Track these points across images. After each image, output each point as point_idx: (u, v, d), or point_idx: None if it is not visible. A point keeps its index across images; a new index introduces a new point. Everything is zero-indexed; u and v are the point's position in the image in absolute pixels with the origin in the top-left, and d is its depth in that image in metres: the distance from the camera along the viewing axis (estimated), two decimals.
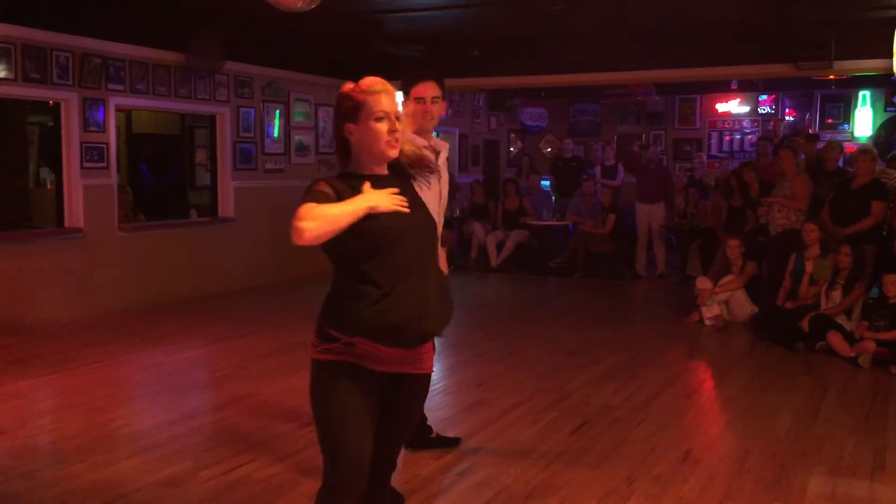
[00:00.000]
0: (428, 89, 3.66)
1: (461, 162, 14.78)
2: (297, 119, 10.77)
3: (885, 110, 13.87)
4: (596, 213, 11.57)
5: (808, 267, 7.41)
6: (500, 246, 11.91)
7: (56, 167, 8.30)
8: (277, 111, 10.43)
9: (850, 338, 6.63)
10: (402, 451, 2.93)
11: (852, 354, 6.48)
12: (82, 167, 8.08)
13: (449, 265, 3.96)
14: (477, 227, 12.18)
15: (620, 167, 12.70)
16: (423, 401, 3.00)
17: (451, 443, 4.56)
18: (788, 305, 7.41)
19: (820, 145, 10.49)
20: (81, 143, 8.05)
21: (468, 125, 14.94)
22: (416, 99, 3.67)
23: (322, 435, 2.69)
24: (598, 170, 13.12)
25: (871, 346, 6.39)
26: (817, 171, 8.74)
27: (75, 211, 8.10)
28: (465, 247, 12.61)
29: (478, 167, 15.38)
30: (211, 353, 6.92)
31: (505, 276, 11.38)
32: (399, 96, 3.02)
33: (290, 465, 4.25)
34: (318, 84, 11.01)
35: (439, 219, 3.69)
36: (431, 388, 5.91)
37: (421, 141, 3.58)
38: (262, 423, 4.92)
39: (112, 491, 3.91)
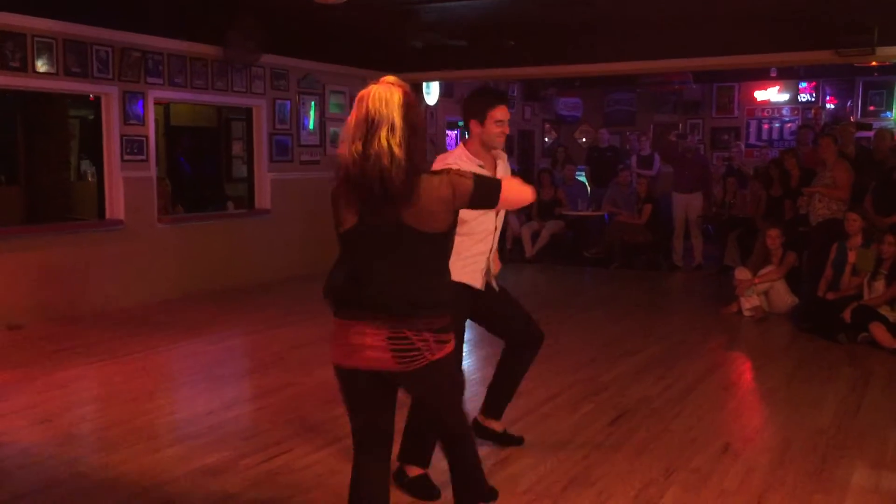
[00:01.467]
0: (506, 113, 3.89)
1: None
2: (333, 111, 10.81)
3: None
4: (632, 204, 11.48)
5: (851, 257, 7.28)
6: (535, 237, 11.87)
7: (97, 160, 8.43)
8: (313, 103, 10.48)
9: (893, 329, 6.50)
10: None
11: None
12: (122, 160, 8.19)
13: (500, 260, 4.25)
14: (512, 218, 12.13)
15: (657, 157, 12.57)
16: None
17: (513, 441, 4.47)
18: (830, 296, 7.29)
19: (866, 133, 10.26)
20: (121, 136, 8.16)
21: None
22: (496, 121, 3.85)
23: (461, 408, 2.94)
24: (634, 159, 13.00)
25: None
26: (865, 160, 8.55)
27: (116, 203, 8.22)
28: (500, 237, 12.56)
29: (512, 157, 15.30)
30: (250, 343, 7.00)
31: (540, 267, 11.34)
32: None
33: (330, 454, 4.28)
34: (353, 76, 11.03)
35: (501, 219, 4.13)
36: (468, 378, 5.94)
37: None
38: (302, 413, 4.97)
39: (154, 479, 3.97)
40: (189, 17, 8.68)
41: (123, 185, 8.22)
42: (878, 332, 6.54)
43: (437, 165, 3.73)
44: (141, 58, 8.22)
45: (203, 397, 5.35)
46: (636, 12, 9.38)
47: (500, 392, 4.48)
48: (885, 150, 8.79)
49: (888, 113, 13.84)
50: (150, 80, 8.37)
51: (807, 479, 3.99)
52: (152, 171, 8.56)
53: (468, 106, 3.92)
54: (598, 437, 4.55)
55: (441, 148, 13.25)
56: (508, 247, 12.14)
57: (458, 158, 3.83)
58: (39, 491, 3.83)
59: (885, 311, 6.75)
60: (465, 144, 3.95)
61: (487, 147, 3.94)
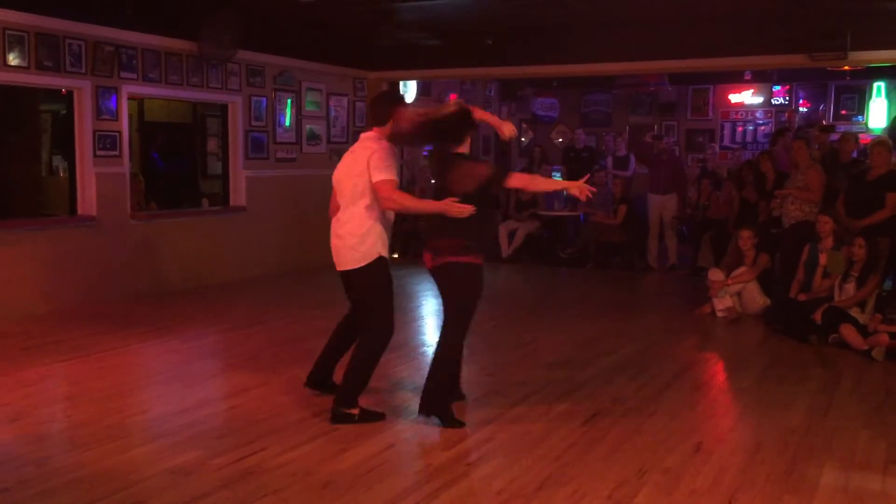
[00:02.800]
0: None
1: (472, 152, 14.71)
2: (309, 108, 10.76)
3: None
4: (607, 204, 11.53)
5: (822, 259, 7.37)
6: (511, 236, 11.90)
7: (69, 155, 8.33)
8: (289, 100, 10.43)
9: (863, 330, 6.59)
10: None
11: (865, 347, 6.44)
12: (95, 155, 8.10)
13: None
14: None
15: (632, 157, 12.64)
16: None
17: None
18: (801, 297, 7.37)
19: (834, 137, 10.42)
20: (94, 132, 8.07)
21: None
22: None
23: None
24: (609, 160, 13.05)
25: (885, 338, 6.35)
26: (832, 163, 8.68)
27: (88, 199, 8.13)
28: None
29: (489, 157, 15.34)
30: (224, 341, 6.94)
31: (516, 267, 11.37)
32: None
33: (304, 454, 4.26)
34: (330, 73, 11.00)
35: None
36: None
37: None
38: (275, 412, 4.94)
39: (124, 478, 3.93)
40: (164, 11, 8.60)
41: (96, 180, 8.13)
42: (849, 333, 6.62)
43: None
44: (114, 52, 8.13)
45: (175, 396, 5.30)
46: (612, 14, 9.44)
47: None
48: (849, 152, 8.91)
49: (860, 117, 14.02)
50: (123, 74, 8.28)
51: (777, 479, 4.03)
52: (125, 167, 8.47)
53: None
54: (572, 437, 4.57)
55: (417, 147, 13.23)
56: None
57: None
58: (7, 490, 3.77)
59: (855, 312, 6.83)
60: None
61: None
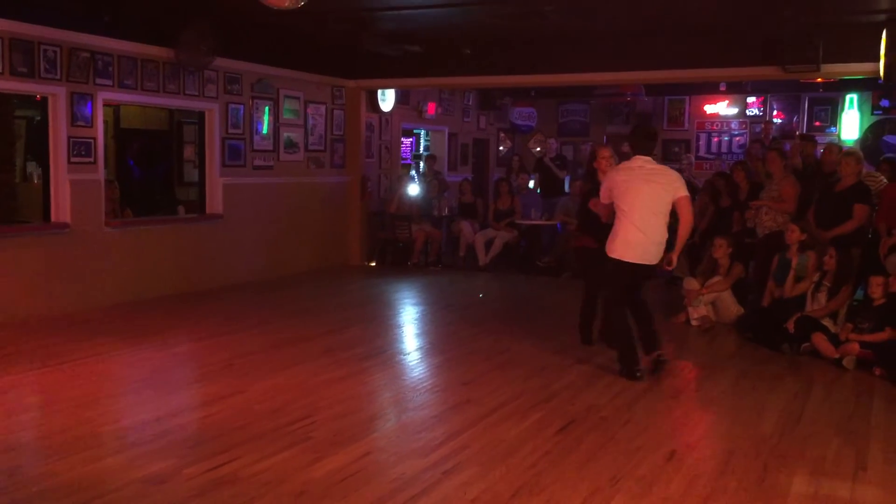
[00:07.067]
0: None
1: (450, 160, 14.79)
2: (287, 116, 10.75)
3: (872, 114, 13.96)
4: None
5: (794, 261, 7.46)
6: (488, 245, 11.93)
7: (43, 162, 8.25)
8: (267, 108, 10.41)
9: (834, 339, 6.67)
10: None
11: (837, 356, 6.52)
12: (69, 162, 8.04)
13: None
14: (465, 226, 12.19)
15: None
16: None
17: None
18: (775, 295, 7.47)
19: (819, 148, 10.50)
20: (69, 138, 8.01)
21: (458, 124, 14.95)
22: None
23: None
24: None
25: (856, 348, 6.43)
26: (814, 173, 8.74)
27: (62, 206, 8.06)
28: (453, 245, 12.62)
29: (467, 166, 15.39)
30: (198, 350, 6.90)
31: (493, 276, 11.39)
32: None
33: (278, 463, 4.25)
34: (308, 81, 11.00)
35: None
36: (418, 386, 5.96)
37: None
38: (249, 421, 4.92)
39: (95, 488, 3.89)
40: (140, 17, 8.56)
41: (70, 187, 8.07)
42: (820, 342, 6.70)
43: None
44: (90, 58, 8.08)
45: (149, 404, 5.26)
46: (589, 26, 9.51)
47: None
48: (832, 163, 9.02)
49: (833, 128, 14.21)
50: (99, 81, 8.23)
51: (749, 486, 4.07)
52: (100, 174, 8.41)
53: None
54: (547, 445, 4.59)
55: (396, 155, 13.26)
56: (462, 255, 12.19)
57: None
58: None
59: (827, 322, 6.92)
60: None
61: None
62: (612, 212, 6.17)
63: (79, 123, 8.09)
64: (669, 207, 6.00)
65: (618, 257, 6.02)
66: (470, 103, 15.19)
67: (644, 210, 5.95)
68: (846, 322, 6.78)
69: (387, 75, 11.44)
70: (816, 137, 12.42)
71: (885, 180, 8.36)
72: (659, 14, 8.79)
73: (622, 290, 6.18)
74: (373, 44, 9.67)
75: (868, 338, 6.44)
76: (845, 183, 7.65)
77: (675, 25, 9.31)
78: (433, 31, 9.83)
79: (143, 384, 5.79)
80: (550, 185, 12.98)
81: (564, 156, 14.55)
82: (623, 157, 6.82)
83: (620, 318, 6.20)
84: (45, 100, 7.96)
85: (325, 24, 9.40)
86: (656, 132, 6.75)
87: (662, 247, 6.10)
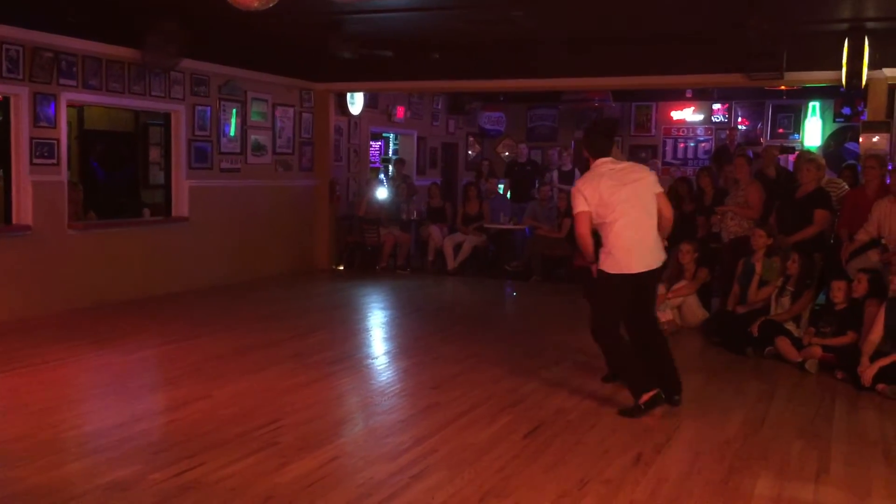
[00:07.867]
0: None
1: (419, 164, 14.79)
2: (254, 119, 10.68)
3: (834, 121, 14.21)
4: (553, 218, 11.65)
5: (758, 267, 7.54)
6: (457, 249, 11.94)
7: (4, 163, 8.11)
8: (234, 110, 10.33)
9: (797, 343, 6.76)
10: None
11: (800, 359, 6.61)
12: (32, 163, 7.91)
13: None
14: (434, 230, 12.19)
15: (577, 172, 12.80)
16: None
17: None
18: (740, 310, 7.53)
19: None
20: (31, 139, 7.88)
21: (426, 128, 14.96)
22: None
23: None
24: (555, 175, 13.19)
25: (818, 351, 6.53)
26: (786, 180, 8.81)
27: (24, 208, 7.93)
28: (422, 249, 12.61)
29: (435, 170, 15.40)
30: (163, 355, 6.82)
31: (461, 280, 11.41)
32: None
33: (244, 468, 4.21)
34: (276, 84, 10.94)
35: None
36: (386, 390, 5.94)
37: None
38: (215, 426, 4.87)
39: (57, 495, 3.83)
40: (105, 17, 8.45)
41: (32, 189, 7.94)
42: (784, 345, 6.79)
43: None
44: (53, 58, 7.96)
45: (112, 410, 5.19)
46: (557, 32, 9.58)
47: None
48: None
49: (796, 135, 14.44)
50: (62, 81, 8.11)
51: (714, 488, 4.11)
52: (63, 176, 8.28)
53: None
54: (515, 449, 4.60)
55: (364, 158, 13.23)
56: (430, 259, 12.18)
57: None
58: None
59: (790, 326, 7.02)
60: None
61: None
62: (595, 241, 5.47)
63: (41, 124, 7.97)
64: (656, 204, 5.41)
65: (619, 271, 5.27)
66: (439, 107, 15.21)
67: (634, 212, 5.32)
68: (809, 326, 6.88)
69: (355, 79, 11.42)
70: (784, 145, 12.64)
71: (846, 186, 8.50)
72: (626, 21, 8.88)
73: (622, 310, 5.42)
74: (337, 48, 9.61)
75: (830, 341, 6.54)
76: (806, 189, 7.75)
77: (642, 33, 9.40)
78: (402, 35, 9.83)
79: (107, 389, 5.71)
80: (521, 190, 13.05)
81: (535, 160, 14.64)
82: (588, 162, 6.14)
83: (617, 341, 5.44)
84: (6, 100, 7.83)
85: (294, 27, 9.35)
86: (613, 125, 6.21)
87: (662, 249, 5.50)
